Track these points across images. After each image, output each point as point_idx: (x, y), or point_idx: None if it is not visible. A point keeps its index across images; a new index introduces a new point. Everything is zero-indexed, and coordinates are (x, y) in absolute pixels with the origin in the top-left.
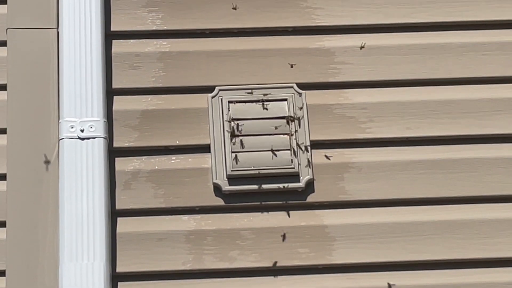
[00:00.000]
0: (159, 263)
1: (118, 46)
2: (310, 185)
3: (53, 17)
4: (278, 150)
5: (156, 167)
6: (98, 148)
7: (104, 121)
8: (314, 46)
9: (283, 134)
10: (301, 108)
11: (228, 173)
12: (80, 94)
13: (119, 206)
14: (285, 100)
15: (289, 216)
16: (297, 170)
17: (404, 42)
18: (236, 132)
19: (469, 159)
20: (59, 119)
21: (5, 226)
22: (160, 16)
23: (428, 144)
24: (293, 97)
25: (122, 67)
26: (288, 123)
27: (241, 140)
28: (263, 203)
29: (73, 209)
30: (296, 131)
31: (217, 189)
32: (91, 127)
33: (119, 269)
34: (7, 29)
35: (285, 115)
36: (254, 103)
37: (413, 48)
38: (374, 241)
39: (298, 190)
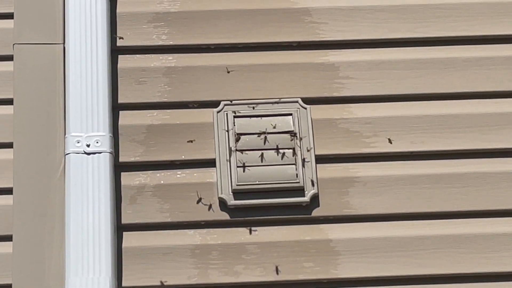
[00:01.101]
0: (164, 278)
1: (124, 61)
2: (315, 200)
3: (59, 32)
4: (283, 165)
5: (162, 182)
6: (104, 163)
7: (110, 136)
8: (318, 61)
9: (288, 148)
10: (306, 123)
11: (233, 187)
12: (86, 109)
13: (124, 220)
14: (290, 114)
15: (294, 231)
16: (302, 185)
17: (408, 57)
18: (241, 147)
19: (473, 173)
20: (65, 134)
21: (11, 240)
22: (165, 31)
23: (432, 158)
24: (298, 111)
25: (128, 82)
26: (293, 137)
27: (246, 155)
28: (268, 217)
29: (79, 224)
30: (301, 145)
31: (222, 203)
32: (97, 142)
33: (125, 283)
34: (13, 44)
35: (290, 129)
36: (259, 118)
37: (417, 63)
38: (379, 255)
39: (303, 204)
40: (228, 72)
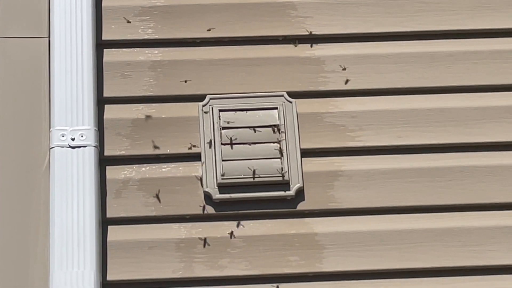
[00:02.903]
0: (149, 271)
1: (109, 55)
2: (300, 193)
3: (44, 26)
4: (268, 159)
5: (147, 176)
6: (89, 157)
7: (95, 129)
8: (304, 55)
9: (274, 142)
10: (291, 117)
11: (218, 181)
12: (71, 103)
13: (109, 214)
14: (276, 108)
15: (279, 224)
16: (287, 179)
17: (394, 51)
18: (227, 141)
19: (458, 167)
20: (50, 128)
21: None
22: (151, 25)
23: (417, 152)
24: (284, 105)
25: (113, 76)
26: (278, 131)
27: (231, 149)
28: (254, 211)
29: (63, 218)
30: (286, 139)
31: (207, 197)
32: (82, 136)
33: (110, 277)
34: None
35: (276, 123)
36: (245, 112)
37: (403, 57)
38: (364, 249)
39: (288, 198)
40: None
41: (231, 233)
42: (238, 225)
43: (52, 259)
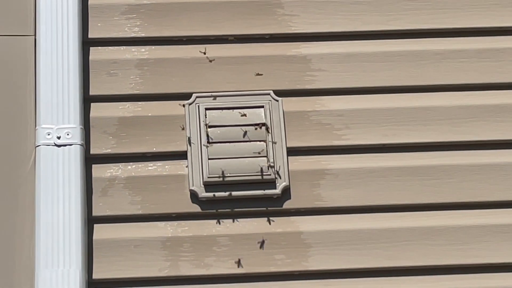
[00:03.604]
0: (135, 270)
1: (95, 53)
2: (286, 192)
3: (30, 24)
4: (254, 157)
5: (133, 174)
6: (74, 155)
7: (81, 128)
8: (291, 53)
9: (260, 141)
10: (277, 115)
11: (204, 180)
12: (57, 101)
13: (95, 212)
14: (262, 107)
15: (265, 223)
16: (274, 177)
17: (381, 50)
18: (213, 139)
19: (445, 165)
20: (35, 126)
21: None
22: (137, 23)
23: (404, 151)
24: (270, 104)
25: (100, 74)
26: (265, 130)
27: (217, 147)
28: (240, 209)
29: (49, 216)
30: (272, 138)
31: (193, 196)
32: (68, 134)
33: (96, 275)
34: None
35: (262, 122)
36: (231, 110)
37: (390, 55)
38: (350, 248)
39: (274, 197)
40: (209, 60)
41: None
42: (223, 224)
43: (38, 258)
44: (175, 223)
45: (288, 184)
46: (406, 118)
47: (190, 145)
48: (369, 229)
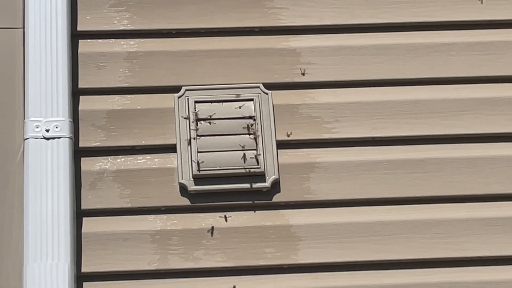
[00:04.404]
0: (124, 263)
1: (84, 46)
2: (275, 185)
3: (19, 16)
4: (244, 150)
5: (122, 167)
6: (63, 148)
7: (70, 121)
8: (280, 46)
9: (249, 134)
10: (267, 108)
11: (194, 173)
12: (45, 94)
13: (84, 206)
14: (252, 100)
15: (254, 216)
16: (263, 170)
17: (370, 43)
18: (202, 132)
19: (434, 159)
20: (24, 119)
21: None
22: (127, 16)
23: (393, 144)
24: (260, 97)
25: (88, 67)
26: (254, 123)
27: (207, 140)
28: (229, 203)
29: (37, 209)
30: (262, 131)
31: (183, 189)
32: (57, 127)
33: (84, 269)
34: None
35: (252, 115)
36: (221, 103)
37: (379, 48)
38: (339, 241)
39: (264, 190)
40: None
41: (212, 228)
42: (213, 217)
43: (26, 251)
44: (164, 216)
45: (277, 177)
46: (396, 111)
47: (179, 138)
48: (358, 222)
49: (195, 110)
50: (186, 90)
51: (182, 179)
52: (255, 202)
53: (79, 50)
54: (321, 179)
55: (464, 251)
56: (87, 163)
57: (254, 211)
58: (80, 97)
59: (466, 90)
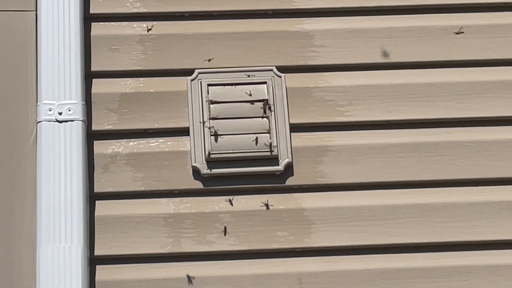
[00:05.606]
0: (137, 246)
1: (97, 28)
2: (289, 169)
3: None
4: (257, 133)
5: (135, 150)
6: (76, 131)
7: (83, 104)
8: (293, 29)
9: (262, 117)
10: (280, 91)
11: (207, 156)
12: (58, 77)
13: (97, 189)
14: (265, 83)
15: (267, 200)
16: (276, 154)
17: (384, 25)
18: (215, 115)
19: (448, 142)
20: (37, 102)
21: None
22: None
23: (407, 127)
24: (273, 80)
25: (101, 50)
26: (267, 106)
27: (220, 123)
28: (242, 186)
29: (50, 192)
30: (275, 114)
31: (196, 172)
32: (69, 110)
33: (97, 252)
34: None
35: (265, 98)
36: (234, 86)
37: (393, 31)
38: (352, 224)
39: (277, 173)
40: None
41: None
42: (226, 200)
43: (39, 234)
44: (177, 199)
45: (290, 160)
46: (410, 94)
47: (192, 122)
48: (371, 206)
49: (208, 93)
50: (199, 73)
51: (195, 162)
52: (268, 185)
53: (92, 33)
54: (334, 163)
55: (477, 235)
56: (100, 146)
57: (267, 195)
58: (93, 80)
59: (481, 73)
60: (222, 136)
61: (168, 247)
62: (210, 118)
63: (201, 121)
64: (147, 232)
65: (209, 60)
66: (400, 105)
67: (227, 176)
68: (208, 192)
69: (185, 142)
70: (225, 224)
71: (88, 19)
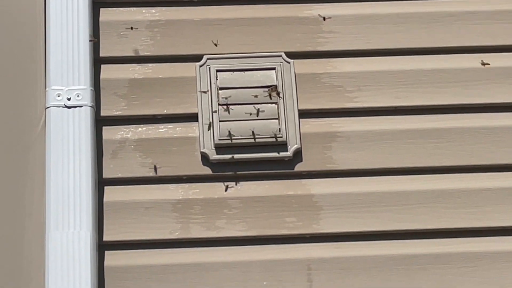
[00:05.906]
0: (146, 232)
1: (106, 14)
2: (297, 154)
3: None
4: (265, 119)
5: (144, 136)
6: (85, 117)
7: (91, 89)
8: (303, 14)
9: (271, 103)
10: (289, 77)
11: (215, 142)
12: (67, 62)
13: (106, 175)
14: (274, 69)
15: (276, 186)
16: (285, 139)
17: (393, 11)
18: (224, 101)
19: (457, 128)
20: (45, 88)
21: None
22: None
23: (416, 113)
24: (282, 66)
25: (110, 36)
26: (276, 92)
27: (228, 109)
28: (251, 172)
29: (59, 178)
30: (284, 100)
31: (204, 158)
32: (78, 96)
33: (106, 238)
34: None
35: (273, 84)
36: (242, 72)
37: (402, 17)
38: (361, 210)
39: (286, 159)
40: (324, 19)
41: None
42: (235, 186)
43: (48, 220)
44: (186, 185)
45: (299, 146)
46: (418, 80)
47: (201, 107)
48: (380, 192)
49: (217, 79)
50: (208, 59)
51: (204, 148)
52: (277, 171)
53: (101, 19)
54: (343, 149)
55: (487, 221)
56: (108, 132)
57: (276, 180)
58: (102, 65)
59: (490, 59)
60: (231, 122)
61: (177, 233)
62: (218, 104)
63: (210, 107)
64: (155, 218)
65: (216, 44)
66: (409, 91)
67: (235, 162)
68: (216, 178)
69: (194, 128)
70: (234, 210)
71: (97, 4)
